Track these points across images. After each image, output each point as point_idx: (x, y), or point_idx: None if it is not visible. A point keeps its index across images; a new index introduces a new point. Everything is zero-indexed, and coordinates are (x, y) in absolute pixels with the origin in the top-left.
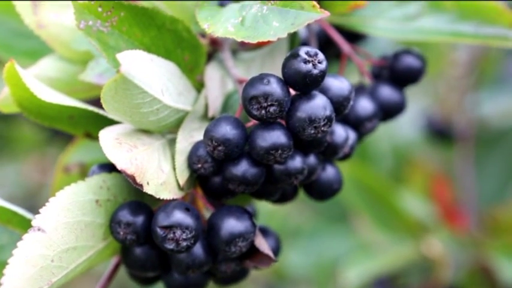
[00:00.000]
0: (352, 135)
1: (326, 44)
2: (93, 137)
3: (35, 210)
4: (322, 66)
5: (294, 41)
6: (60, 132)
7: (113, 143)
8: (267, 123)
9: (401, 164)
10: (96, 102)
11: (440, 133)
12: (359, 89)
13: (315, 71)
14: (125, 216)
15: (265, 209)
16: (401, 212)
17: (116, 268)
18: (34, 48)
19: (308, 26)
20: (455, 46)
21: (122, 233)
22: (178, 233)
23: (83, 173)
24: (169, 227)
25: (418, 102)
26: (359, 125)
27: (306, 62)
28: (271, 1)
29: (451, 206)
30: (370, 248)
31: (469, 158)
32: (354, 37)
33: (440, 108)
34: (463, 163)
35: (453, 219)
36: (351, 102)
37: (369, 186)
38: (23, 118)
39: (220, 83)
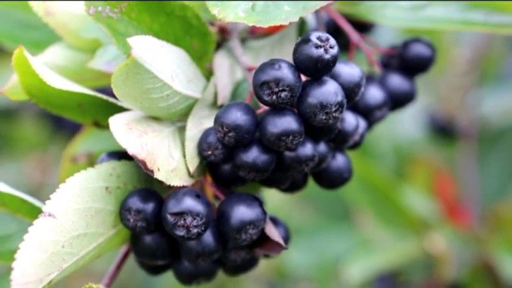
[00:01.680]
0: (362, 123)
1: (334, 34)
2: (101, 125)
3: None
4: (334, 51)
5: (303, 29)
6: (61, 131)
7: (123, 129)
8: (277, 109)
9: (404, 161)
10: (105, 91)
11: (442, 130)
12: (368, 78)
13: (327, 56)
14: (135, 203)
15: (267, 208)
16: (404, 208)
17: (125, 256)
18: (40, 39)
19: (317, 15)
20: (458, 44)
21: (132, 220)
22: (189, 219)
23: (91, 163)
24: (180, 214)
25: (420, 99)
26: (368, 114)
27: (317, 46)
28: None
29: (453, 202)
30: (372, 245)
31: (471, 155)
32: (362, 27)
33: (443, 105)
34: (466, 160)
35: (456, 215)
36: (362, 89)
37: (372, 183)
38: (24, 117)
39: (229, 71)
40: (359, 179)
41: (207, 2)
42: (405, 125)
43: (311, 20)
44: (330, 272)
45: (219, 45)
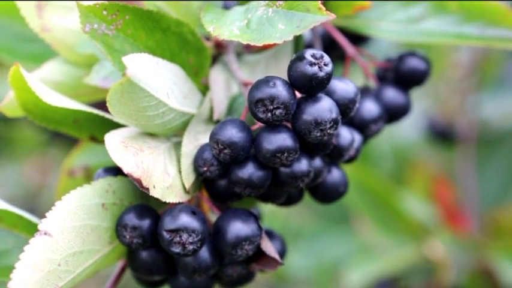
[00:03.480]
0: (357, 137)
1: (330, 47)
2: (98, 140)
3: (35, 211)
4: (328, 68)
5: (298, 43)
6: (61, 134)
7: (119, 146)
8: (272, 126)
9: (403, 165)
10: (101, 105)
11: (441, 135)
12: (364, 91)
13: (321, 74)
14: (131, 219)
15: (266, 211)
16: (403, 214)
17: (121, 271)
18: (38, 52)
19: (312, 28)
20: (457, 48)
21: (128, 236)
22: (184, 236)
23: (88, 176)
24: (176, 231)
25: (419, 103)
26: (364, 128)
27: (311, 64)
28: (277, 3)
29: (452, 207)
30: (371, 250)
31: (470, 160)
32: (358, 39)
33: (442, 109)
34: (465, 165)
35: (455, 221)
36: (357, 105)
37: (371, 188)
38: (24, 119)
39: (225, 86)
40: (358, 184)
41: (203, 19)
42: (404, 129)
43: (307, 34)
44: (329, 275)
45: (215, 59)
